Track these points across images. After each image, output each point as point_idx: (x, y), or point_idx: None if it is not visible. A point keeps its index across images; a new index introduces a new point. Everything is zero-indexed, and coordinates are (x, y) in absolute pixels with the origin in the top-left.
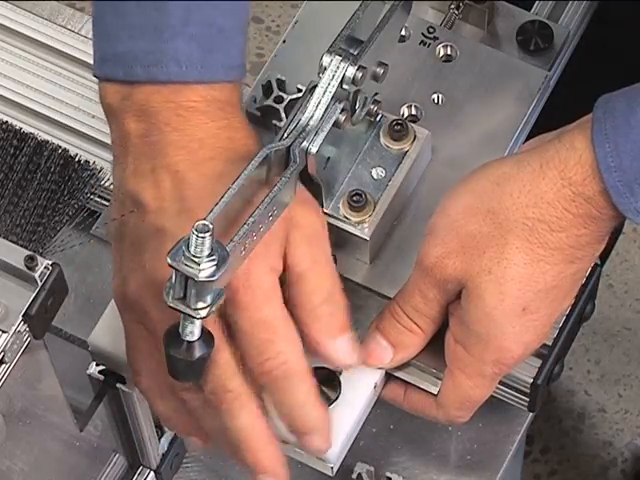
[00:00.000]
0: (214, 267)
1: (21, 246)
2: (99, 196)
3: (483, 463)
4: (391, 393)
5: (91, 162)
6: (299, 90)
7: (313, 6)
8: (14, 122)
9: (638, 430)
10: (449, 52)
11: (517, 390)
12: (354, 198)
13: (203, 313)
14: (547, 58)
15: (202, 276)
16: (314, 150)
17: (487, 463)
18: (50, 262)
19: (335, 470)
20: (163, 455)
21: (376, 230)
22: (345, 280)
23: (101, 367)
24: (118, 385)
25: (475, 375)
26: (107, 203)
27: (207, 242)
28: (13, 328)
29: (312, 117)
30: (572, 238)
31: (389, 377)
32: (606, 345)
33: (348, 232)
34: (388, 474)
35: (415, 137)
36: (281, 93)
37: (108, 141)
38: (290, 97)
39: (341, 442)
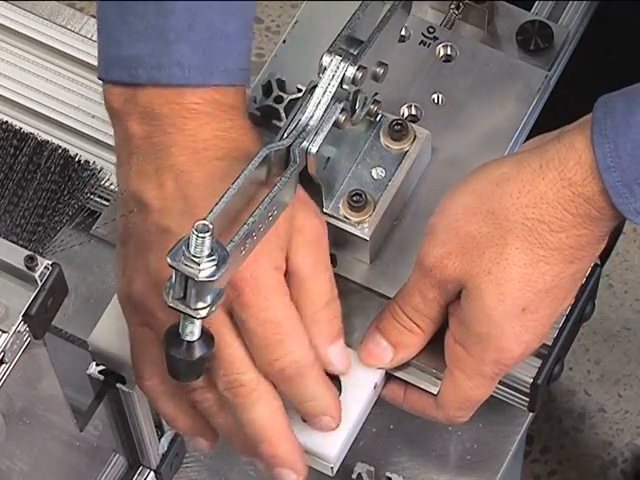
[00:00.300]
0: (214, 267)
1: (21, 246)
2: (99, 196)
3: (483, 463)
4: (391, 393)
5: (91, 162)
6: (299, 90)
7: (313, 6)
8: (14, 122)
9: (638, 430)
10: (449, 52)
11: (517, 390)
12: (354, 198)
13: (203, 313)
14: (547, 58)
15: (202, 276)
16: (314, 150)
17: (487, 463)
18: (50, 262)
19: (335, 470)
20: (163, 455)
21: (376, 230)
22: (345, 280)
23: (101, 367)
24: (118, 385)
25: (475, 375)
26: (107, 203)
27: (207, 242)
28: (13, 328)
29: (312, 117)
30: (572, 238)
31: (389, 377)
32: (606, 345)
33: (348, 232)
34: (388, 474)
35: (415, 137)
36: (281, 93)
37: (108, 141)
38: (290, 97)
39: (341, 442)
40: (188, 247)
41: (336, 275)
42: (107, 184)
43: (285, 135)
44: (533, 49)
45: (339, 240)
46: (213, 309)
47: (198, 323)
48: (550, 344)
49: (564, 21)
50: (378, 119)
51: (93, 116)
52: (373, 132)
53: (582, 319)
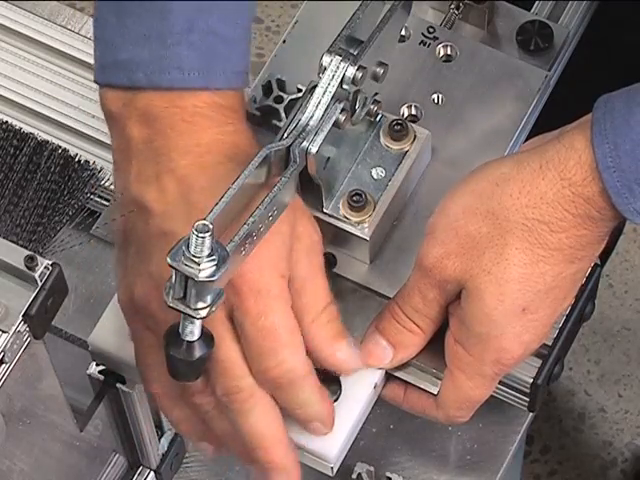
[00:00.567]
0: (214, 267)
1: (21, 246)
2: (99, 196)
3: (483, 463)
4: (391, 393)
5: (91, 162)
6: (299, 90)
7: (313, 6)
8: (14, 122)
9: (638, 430)
10: (449, 52)
11: (517, 390)
12: (354, 198)
13: (203, 313)
14: (547, 58)
15: (202, 276)
16: (314, 150)
17: (487, 463)
18: (50, 262)
19: (335, 470)
20: (163, 455)
21: (376, 230)
22: (345, 280)
23: (101, 367)
24: (118, 385)
25: (475, 375)
26: (107, 203)
27: (207, 242)
28: (13, 328)
29: (312, 117)
30: (572, 239)
31: (389, 377)
32: (606, 345)
33: (348, 232)
34: (388, 474)
35: (415, 137)
36: (281, 93)
37: (108, 141)
38: (290, 97)
39: (341, 442)
40: (188, 247)
41: (336, 275)
42: (107, 184)
43: (285, 135)
44: (533, 49)
45: (339, 240)
46: (213, 309)
47: (198, 323)
48: (550, 344)
49: (564, 21)
50: (378, 119)
51: (93, 116)
52: (373, 132)
53: (582, 319)
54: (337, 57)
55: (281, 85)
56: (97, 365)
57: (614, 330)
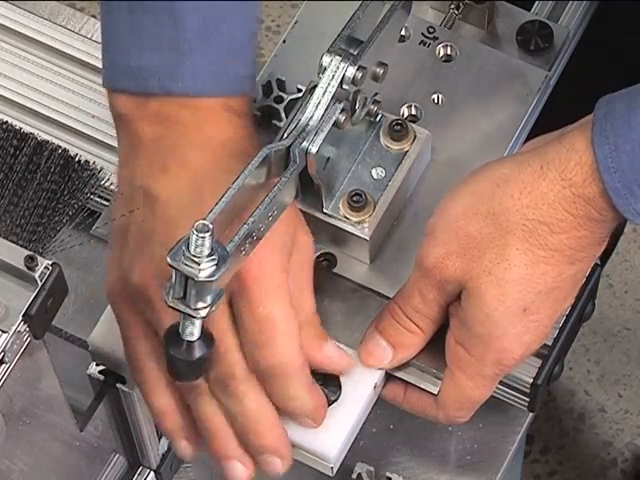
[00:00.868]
0: (214, 267)
1: (21, 246)
2: (99, 196)
3: (483, 463)
4: (391, 393)
5: (91, 162)
6: (299, 90)
7: (313, 6)
8: (14, 122)
9: (638, 430)
10: (449, 52)
11: (517, 390)
12: (354, 198)
13: (203, 313)
14: (547, 58)
15: (202, 276)
16: (314, 150)
17: (487, 463)
18: (50, 262)
19: (335, 470)
20: (163, 455)
21: (376, 230)
22: (345, 280)
23: (101, 367)
24: (118, 385)
25: (476, 375)
26: (107, 203)
27: (207, 242)
28: (13, 328)
29: (312, 117)
30: (572, 239)
31: (389, 377)
32: (606, 345)
33: (348, 232)
34: (388, 474)
35: (415, 137)
36: (281, 93)
37: (108, 141)
38: (290, 97)
39: (341, 442)
40: (188, 247)
41: (336, 275)
42: (107, 184)
43: (285, 135)
44: (533, 49)
45: (339, 240)
46: (213, 309)
47: (198, 323)
48: (550, 344)
49: (564, 21)
50: (378, 119)
51: (93, 116)
52: (373, 132)
53: (582, 319)
54: (337, 57)
55: (281, 85)
56: (97, 365)
57: (614, 330)
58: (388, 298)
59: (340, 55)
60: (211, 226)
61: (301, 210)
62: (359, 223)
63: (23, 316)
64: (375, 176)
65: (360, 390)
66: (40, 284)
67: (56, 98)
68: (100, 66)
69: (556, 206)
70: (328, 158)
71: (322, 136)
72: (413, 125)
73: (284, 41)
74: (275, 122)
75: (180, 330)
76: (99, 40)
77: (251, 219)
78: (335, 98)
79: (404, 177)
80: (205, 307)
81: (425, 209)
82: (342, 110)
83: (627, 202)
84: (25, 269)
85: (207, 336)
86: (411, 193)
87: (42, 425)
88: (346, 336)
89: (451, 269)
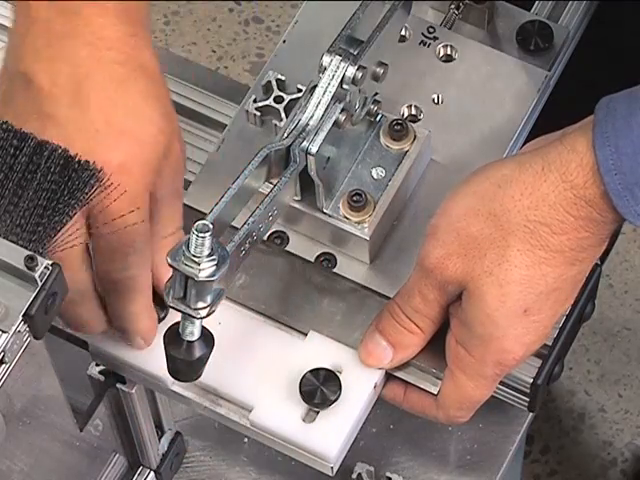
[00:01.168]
0: (214, 267)
1: (21, 246)
2: None
3: (483, 463)
4: (391, 393)
5: (91, 162)
6: (299, 90)
7: (313, 6)
8: None
9: (638, 430)
10: (449, 52)
11: (517, 390)
12: (354, 198)
13: (203, 313)
14: (547, 58)
15: (202, 276)
16: (314, 150)
17: (487, 463)
18: (50, 262)
19: (335, 470)
20: (163, 455)
21: (376, 230)
22: (345, 280)
23: (101, 367)
24: (118, 385)
25: (476, 376)
26: None
27: (207, 242)
28: (13, 328)
29: (312, 117)
30: (573, 241)
31: (389, 377)
32: (606, 345)
33: (348, 232)
34: (388, 474)
35: (415, 137)
36: (281, 93)
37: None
38: (290, 97)
39: (341, 442)
40: (188, 247)
41: (336, 275)
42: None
43: (285, 135)
44: (533, 49)
45: (339, 240)
46: (213, 309)
47: (198, 323)
48: (550, 344)
49: (564, 21)
50: (378, 119)
51: None
52: (373, 132)
53: (582, 319)
54: (337, 57)
55: (281, 85)
56: (97, 365)
57: (614, 330)
58: (388, 298)
59: (340, 55)
60: (211, 226)
61: (301, 210)
62: (359, 223)
63: (23, 316)
64: (375, 176)
65: (360, 390)
66: (40, 284)
67: None
68: None
69: (557, 207)
70: (328, 158)
71: (322, 136)
72: (413, 125)
73: (284, 41)
74: (275, 122)
75: (180, 330)
76: None
77: (251, 219)
78: (335, 98)
79: (404, 177)
80: (205, 307)
81: (425, 209)
82: (342, 110)
83: (628, 204)
84: (25, 269)
85: (207, 336)
86: (411, 193)
87: (42, 425)
88: (346, 336)
89: (452, 270)
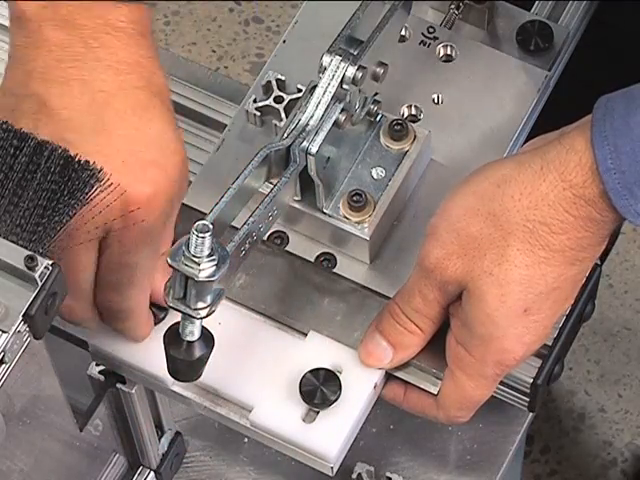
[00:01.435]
0: (214, 267)
1: (21, 246)
2: None
3: (483, 463)
4: (391, 393)
5: (91, 162)
6: (299, 90)
7: (313, 6)
8: None
9: (638, 430)
10: (449, 52)
11: (517, 390)
12: (354, 198)
13: (203, 313)
14: (547, 58)
15: (202, 276)
16: (314, 150)
17: (487, 463)
18: (50, 262)
19: (335, 470)
20: (163, 455)
21: (376, 230)
22: (345, 280)
23: (101, 367)
24: (118, 385)
25: (476, 376)
26: None
27: (207, 242)
28: (13, 328)
29: (312, 117)
30: (573, 240)
31: (389, 377)
32: (606, 345)
33: (348, 232)
34: (388, 474)
35: (415, 137)
36: (281, 93)
37: None
38: (290, 97)
39: (341, 442)
40: (188, 247)
41: (336, 275)
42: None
43: (285, 135)
44: (533, 49)
45: (339, 240)
46: (213, 309)
47: (198, 323)
48: (550, 344)
49: (564, 21)
50: (378, 119)
51: None
52: (373, 132)
53: (582, 319)
54: (337, 57)
55: (281, 85)
56: (97, 365)
57: (614, 330)
58: (388, 298)
59: (340, 55)
60: (211, 226)
61: (301, 210)
62: (359, 223)
63: (23, 316)
64: (375, 176)
65: (360, 390)
66: (40, 284)
67: None
68: None
69: (557, 207)
70: (328, 158)
71: (322, 136)
72: (413, 125)
73: (284, 41)
74: (275, 122)
75: (180, 330)
76: None
77: (251, 219)
78: (335, 98)
79: (404, 177)
80: (205, 307)
81: (425, 209)
82: (342, 110)
83: (627, 203)
84: (25, 269)
85: (207, 336)
86: (411, 193)
87: (42, 425)
88: (346, 336)
89: (452, 270)
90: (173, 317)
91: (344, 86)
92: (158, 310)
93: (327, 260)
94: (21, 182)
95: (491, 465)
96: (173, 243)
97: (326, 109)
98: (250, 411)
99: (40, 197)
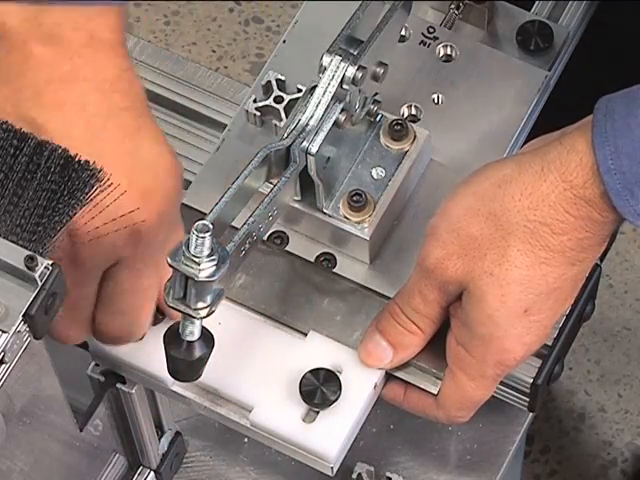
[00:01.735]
0: (214, 267)
1: (21, 246)
2: None
3: (483, 463)
4: (391, 393)
5: (91, 162)
6: (299, 90)
7: (313, 6)
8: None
9: (638, 430)
10: (449, 52)
11: (517, 390)
12: (354, 198)
13: (203, 313)
14: (547, 58)
15: (202, 276)
16: (314, 150)
17: (487, 463)
18: (50, 262)
19: (335, 470)
20: (163, 455)
21: (376, 230)
22: (345, 280)
23: (101, 367)
24: (118, 385)
25: (477, 376)
26: None
27: (207, 242)
28: (13, 328)
29: (312, 117)
30: (574, 241)
31: (389, 377)
32: (606, 345)
33: (348, 232)
34: (388, 474)
35: (415, 137)
36: (281, 93)
37: None
38: (290, 97)
39: (341, 442)
40: (188, 247)
41: (336, 275)
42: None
43: (285, 135)
44: (533, 49)
45: (339, 240)
46: (213, 309)
47: (198, 323)
48: (550, 344)
49: (564, 21)
50: (378, 119)
51: None
52: (373, 132)
53: (582, 319)
54: (337, 57)
55: (281, 85)
56: (97, 365)
57: (614, 330)
58: (388, 298)
59: (340, 55)
60: (211, 226)
61: (301, 210)
62: (359, 223)
63: (23, 316)
64: (375, 176)
65: (360, 390)
66: (40, 284)
67: None
68: None
69: (557, 207)
70: (328, 158)
71: (322, 136)
72: (413, 125)
73: (284, 41)
74: (275, 122)
75: (180, 330)
76: None
77: (251, 219)
78: (335, 98)
79: (404, 177)
80: (205, 307)
81: (425, 209)
82: (342, 110)
83: (627, 204)
84: (25, 269)
85: (207, 336)
86: (411, 193)
87: (42, 425)
88: (346, 336)
89: (452, 270)
90: None
91: (344, 86)
92: (158, 310)
93: (327, 260)
94: (21, 182)
95: (491, 465)
96: None
97: (326, 109)
98: (250, 411)
99: (40, 197)
